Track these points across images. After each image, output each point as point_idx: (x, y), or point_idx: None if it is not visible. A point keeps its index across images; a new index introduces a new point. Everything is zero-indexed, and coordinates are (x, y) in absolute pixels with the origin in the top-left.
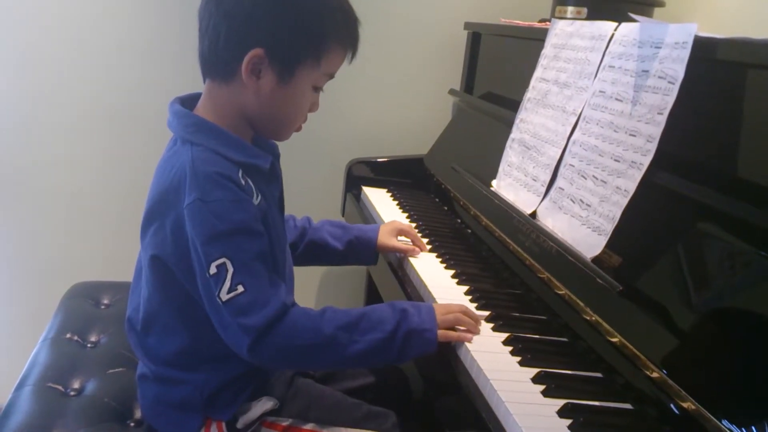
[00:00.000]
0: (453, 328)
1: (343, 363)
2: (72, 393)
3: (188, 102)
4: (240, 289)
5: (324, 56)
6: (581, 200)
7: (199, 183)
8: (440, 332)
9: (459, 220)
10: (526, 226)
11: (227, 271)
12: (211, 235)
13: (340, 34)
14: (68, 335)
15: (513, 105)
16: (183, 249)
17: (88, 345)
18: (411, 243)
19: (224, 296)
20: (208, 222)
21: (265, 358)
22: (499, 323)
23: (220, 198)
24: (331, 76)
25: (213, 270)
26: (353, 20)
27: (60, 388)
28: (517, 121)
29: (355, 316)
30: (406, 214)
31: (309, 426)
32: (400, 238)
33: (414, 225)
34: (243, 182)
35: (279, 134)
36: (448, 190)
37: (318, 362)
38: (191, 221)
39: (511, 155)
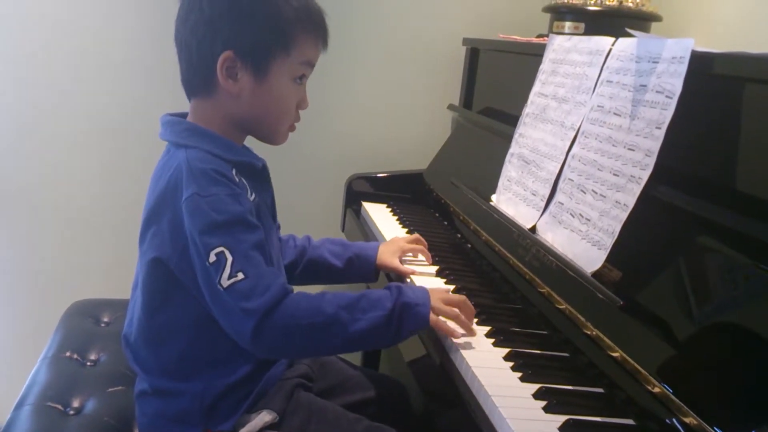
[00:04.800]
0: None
1: (346, 343)
2: (71, 412)
3: (178, 117)
4: (240, 275)
5: (292, 46)
6: (581, 215)
7: (195, 179)
8: (434, 318)
9: (459, 235)
10: (526, 241)
11: (226, 259)
12: (210, 225)
13: (303, 22)
14: (68, 353)
15: (512, 120)
16: (182, 246)
17: (88, 363)
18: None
19: (225, 282)
20: (206, 214)
21: (269, 341)
22: (499, 338)
23: (216, 192)
24: (310, 65)
25: (212, 258)
26: (313, 8)
27: (59, 407)
28: (516, 135)
29: (355, 296)
30: (406, 229)
31: None
32: (406, 257)
33: None
34: (237, 179)
35: (273, 135)
36: (447, 205)
37: (321, 343)
38: (189, 214)
39: (510, 170)
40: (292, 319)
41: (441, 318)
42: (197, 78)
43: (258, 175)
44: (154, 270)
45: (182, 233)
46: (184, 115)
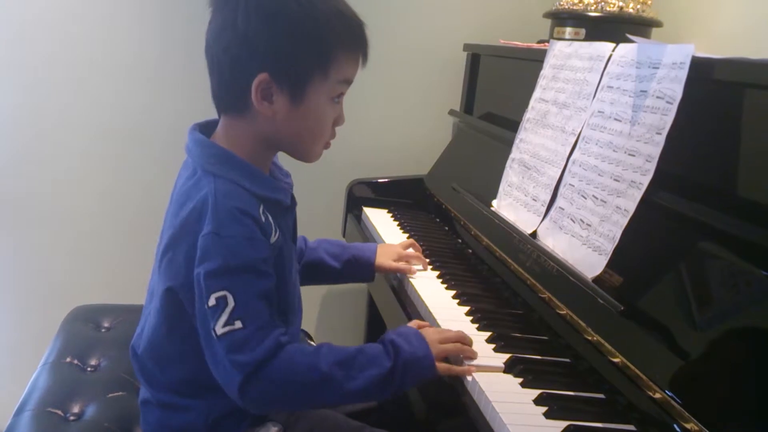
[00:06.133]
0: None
1: (340, 400)
2: (72, 418)
3: (206, 129)
4: (238, 324)
5: (331, 67)
6: (581, 220)
7: (218, 216)
8: (442, 366)
9: (460, 240)
10: (526, 246)
11: (227, 305)
12: (219, 268)
13: (343, 40)
14: (68, 359)
15: (512, 125)
16: (192, 279)
17: (88, 369)
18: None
19: (219, 330)
20: (218, 255)
21: (256, 397)
22: (500, 344)
23: (235, 234)
24: (349, 82)
25: (212, 302)
26: (354, 23)
27: (60, 412)
28: (516, 141)
29: (352, 352)
30: (407, 235)
31: None
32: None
33: None
34: (263, 219)
35: (307, 154)
36: (448, 210)
37: (313, 400)
38: (202, 251)
39: (511, 175)
40: (282, 375)
41: (447, 365)
42: (229, 96)
43: (286, 206)
44: (167, 297)
45: (194, 268)
46: (212, 125)
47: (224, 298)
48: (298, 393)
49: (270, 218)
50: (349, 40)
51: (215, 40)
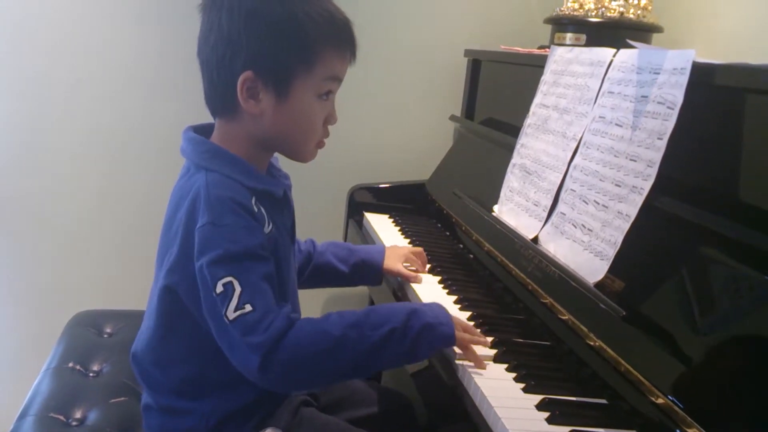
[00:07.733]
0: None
1: (358, 364)
2: (74, 423)
3: (201, 131)
4: (248, 308)
5: (315, 62)
6: (583, 225)
7: (211, 207)
8: (459, 334)
9: (461, 246)
10: (528, 252)
11: (234, 290)
12: (220, 256)
13: (326, 36)
14: (70, 364)
15: (513, 130)
16: (192, 273)
17: (91, 374)
18: (416, 270)
19: (231, 315)
20: (218, 244)
21: (278, 374)
22: (502, 349)
23: (231, 223)
24: (337, 80)
25: (219, 288)
26: (338, 19)
27: (62, 418)
28: (517, 146)
29: (362, 313)
30: (408, 240)
31: None
32: (405, 264)
33: None
34: (255, 209)
35: (300, 153)
36: (449, 216)
37: (332, 368)
38: (200, 243)
39: (512, 180)
40: (298, 348)
41: (470, 336)
42: (219, 97)
43: (279, 200)
44: (165, 297)
45: (192, 261)
46: (206, 128)
47: (231, 283)
48: (317, 362)
49: (263, 210)
50: (333, 37)
51: (205, 42)
